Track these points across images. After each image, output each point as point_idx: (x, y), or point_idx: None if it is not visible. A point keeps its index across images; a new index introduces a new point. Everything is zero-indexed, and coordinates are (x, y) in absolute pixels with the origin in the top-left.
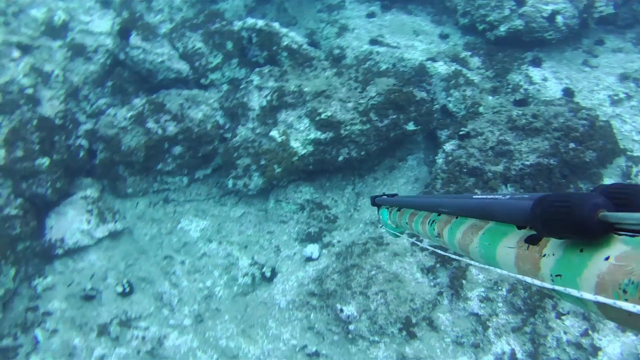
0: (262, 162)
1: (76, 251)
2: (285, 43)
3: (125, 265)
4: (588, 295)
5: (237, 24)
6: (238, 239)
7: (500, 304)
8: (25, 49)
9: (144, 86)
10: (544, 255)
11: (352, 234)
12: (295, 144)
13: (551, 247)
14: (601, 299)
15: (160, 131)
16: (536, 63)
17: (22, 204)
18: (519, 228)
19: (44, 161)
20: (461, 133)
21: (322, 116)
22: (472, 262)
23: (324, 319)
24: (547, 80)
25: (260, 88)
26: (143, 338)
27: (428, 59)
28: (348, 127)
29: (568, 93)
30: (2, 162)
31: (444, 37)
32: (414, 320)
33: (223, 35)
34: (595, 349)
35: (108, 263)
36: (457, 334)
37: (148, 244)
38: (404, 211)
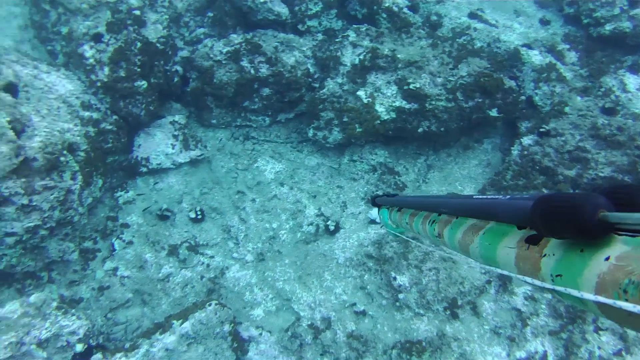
0: (345, 119)
1: (158, 172)
2: (386, 4)
3: (200, 193)
4: (588, 295)
5: None
6: (309, 187)
7: (543, 306)
8: None
9: (242, 21)
10: (544, 255)
11: None
12: (379, 109)
13: (551, 247)
14: (601, 299)
15: (253, 71)
16: (635, 69)
17: (117, 120)
18: (519, 228)
19: (143, 84)
20: (541, 130)
21: (411, 87)
22: (473, 262)
23: (377, 282)
24: None
25: (354, 45)
26: (208, 265)
27: (524, 45)
28: (433, 102)
29: None
30: (105, 79)
31: (544, 22)
32: (459, 302)
33: None
34: None
35: (185, 188)
36: (497, 324)
37: (223, 176)
38: (405, 211)
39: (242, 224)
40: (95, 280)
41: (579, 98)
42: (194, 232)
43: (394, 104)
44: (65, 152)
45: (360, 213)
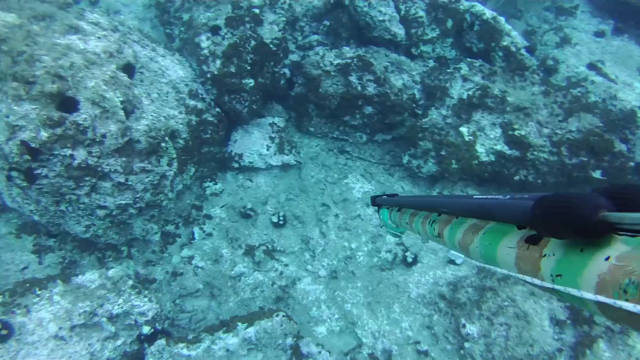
0: (443, 152)
1: (249, 169)
2: (504, 43)
3: (285, 198)
4: (588, 295)
5: (465, 5)
6: None
7: None
8: None
9: (356, 35)
10: (544, 255)
11: None
12: (480, 149)
13: (551, 247)
14: (601, 298)
15: (359, 88)
16: None
17: (219, 113)
18: (519, 228)
19: (250, 82)
20: None
21: (516, 133)
22: (473, 262)
23: (445, 325)
24: None
25: (465, 79)
26: (281, 273)
27: None
28: (536, 153)
29: None
30: (216, 72)
31: None
32: None
33: (447, 11)
34: None
35: (272, 190)
36: None
37: (312, 186)
38: (404, 211)
39: (322, 238)
40: (170, 264)
41: None
42: (273, 236)
43: (495, 147)
44: (167, 138)
45: (440, 249)
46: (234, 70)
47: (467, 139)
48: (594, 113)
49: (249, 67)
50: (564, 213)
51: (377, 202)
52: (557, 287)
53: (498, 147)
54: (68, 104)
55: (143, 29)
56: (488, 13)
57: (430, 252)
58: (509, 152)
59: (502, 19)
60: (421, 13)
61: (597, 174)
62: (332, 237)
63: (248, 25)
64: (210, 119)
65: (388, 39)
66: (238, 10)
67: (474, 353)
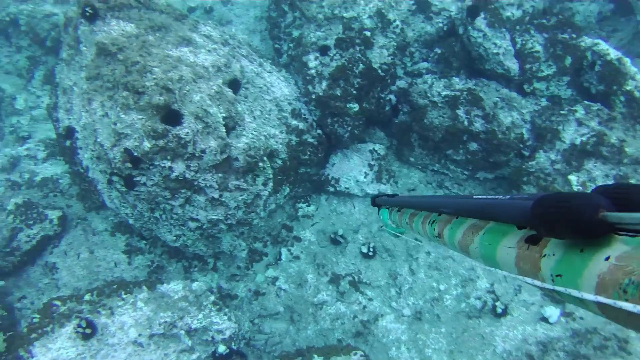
0: None
1: (344, 195)
2: (628, 87)
3: (377, 229)
4: (588, 296)
5: (587, 42)
6: None
7: None
8: None
9: (467, 65)
10: (544, 255)
11: (600, 318)
12: None
13: (551, 247)
14: (601, 299)
15: (466, 123)
16: None
17: (319, 135)
18: (519, 228)
19: (355, 107)
20: None
21: None
22: (473, 262)
23: None
24: None
25: (580, 123)
26: (364, 307)
27: None
28: None
29: None
30: (321, 93)
31: None
32: None
33: (567, 48)
34: None
35: (365, 219)
36: None
37: None
38: (405, 211)
39: (410, 275)
40: (254, 283)
41: None
42: (361, 267)
43: None
44: (265, 157)
45: (533, 304)
46: (339, 94)
47: (575, 188)
48: None
49: (354, 92)
50: (564, 213)
51: (377, 202)
52: (557, 287)
53: None
54: (173, 117)
55: (252, 41)
56: (612, 53)
57: (522, 304)
58: None
59: (627, 60)
60: (538, 47)
61: None
62: (421, 275)
63: (358, 48)
64: (311, 140)
65: (501, 73)
66: (349, 31)
67: None
